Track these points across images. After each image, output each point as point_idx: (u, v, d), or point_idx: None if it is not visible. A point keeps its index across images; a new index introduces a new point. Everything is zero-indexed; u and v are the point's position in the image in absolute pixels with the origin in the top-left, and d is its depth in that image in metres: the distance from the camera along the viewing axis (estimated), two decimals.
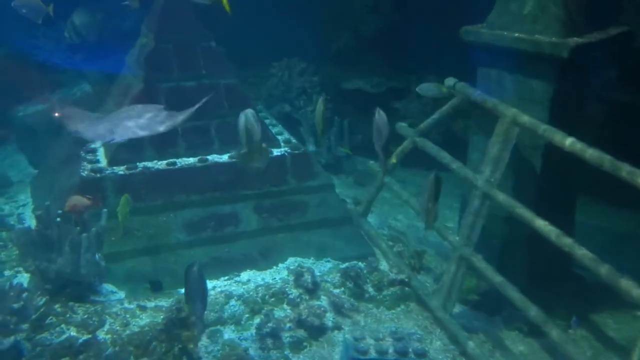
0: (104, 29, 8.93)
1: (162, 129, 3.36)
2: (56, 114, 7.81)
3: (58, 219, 3.93)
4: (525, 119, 3.76)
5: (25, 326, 3.27)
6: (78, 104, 8.13)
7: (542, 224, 3.51)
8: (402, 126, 5.56)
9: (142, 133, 3.34)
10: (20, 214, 6.10)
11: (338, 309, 4.40)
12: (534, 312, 3.53)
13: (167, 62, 5.61)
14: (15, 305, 3.26)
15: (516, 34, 3.82)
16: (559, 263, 4.22)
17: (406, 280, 4.73)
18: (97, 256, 4.06)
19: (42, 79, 8.50)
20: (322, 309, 4.28)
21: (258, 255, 5.20)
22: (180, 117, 3.46)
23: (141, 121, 3.36)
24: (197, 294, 3.13)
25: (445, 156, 4.58)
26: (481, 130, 4.37)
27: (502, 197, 3.83)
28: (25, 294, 3.37)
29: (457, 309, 4.45)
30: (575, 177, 4.15)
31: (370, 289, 4.75)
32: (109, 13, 8.87)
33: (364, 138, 7.87)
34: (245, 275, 5.00)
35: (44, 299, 3.54)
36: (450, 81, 4.65)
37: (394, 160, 4.54)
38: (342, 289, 4.72)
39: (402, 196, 5.28)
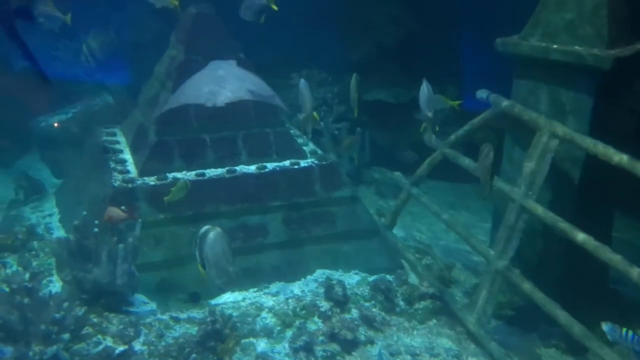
0: (123, 42, 9.09)
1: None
2: (55, 124, 7.93)
3: (96, 230, 3.94)
4: (567, 131, 3.73)
5: (66, 336, 3.27)
6: (99, 115, 8.24)
7: (593, 244, 3.41)
8: (430, 139, 5.53)
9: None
10: (47, 224, 6.14)
11: (370, 322, 4.37)
12: (578, 329, 3.46)
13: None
14: (57, 315, 3.26)
15: (555, 46, 3.80)
16: (596, 279, 4.15)
17: (437, 294, 4.68)
18: (131, 267, 4.07)
19: (61, 91, 8.59)
20: (355, 322, 4.25)
21: (286, 266, 5.19)
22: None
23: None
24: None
25: (476, 168, 4.54)
26: (516, 142, 4.34)
27: (541, 210, 3.79)
28: (65, 304, 3.38)
29: (491, 324, 4.39)
30: (613, 190, 4.10)
31: (401, 303, 4.71)
32: (127, 24, 9.02)
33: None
34: (274, 286, 4.99)
35: (83, 309, 3.55)
36: (483, 93, 4.63)
37: None
38: (373, 302, 4.68)
39: (431, 208, 5.24)
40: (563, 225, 3.60)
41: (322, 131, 8.39)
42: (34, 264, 4.85)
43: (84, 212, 4.18)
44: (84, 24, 8.81)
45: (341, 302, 4.55)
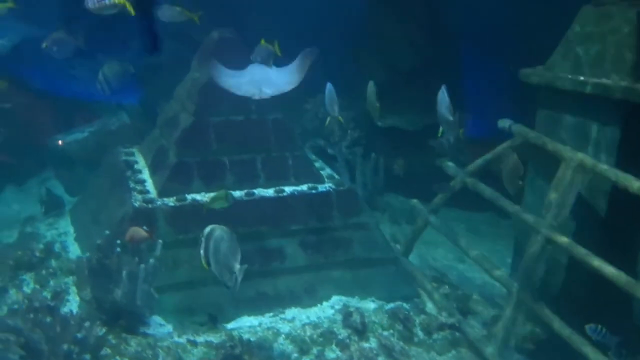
0: (140, 63, 9.25)
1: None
2: (59, 142, 8.01)
3: (118, 249, 3.94)
4: (594, 163, 3.71)
5: (87, 356, 3.23)
6: (115, 134, 8.32)
7: (624, 279, 3.36)
8: (449, 166, 5.54)
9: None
10: (63, 242, 6.14)
11: (389, 352, 4.30)
12: None
13: (219, 97, 5.70)
14: (79, 335, 3.23)
15: (581, 77, 3.82)
16: (620, 312, 4.07)
17: (456, 324, 4.61)
18: (151, 288, 4.05)
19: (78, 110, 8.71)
20: (374, 351, 4.18)
21: (303, 292, 5.15)
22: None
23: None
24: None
25: (499, 198, 4.53)
26: (539, 172, 4.33)
27: (568, 242, 3.75)
28: (87, 323, 3.35)
29: (514, 357, 4.30)
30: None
31: (420, 332, 4.64)
32: (142, 47, 9.20)
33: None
34: (290, 312, 4.95)
35: (103, 330, 3.52)
36: (505, 122, 4.64)
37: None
38: (391, 330, 4.61)
39: (450, 237, 5.20)
40: (591, 259, 3.55)
41: (336, 156, 8.41)
42: (51, 282, 4.84)
43: (107, 232, 4.18)
44: (103, 45, 9.03)
45: (359, 330, 4.50)
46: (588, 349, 3.52)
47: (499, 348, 4.07)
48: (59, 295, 3.46)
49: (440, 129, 4.00)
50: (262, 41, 4.71)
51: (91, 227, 5.84)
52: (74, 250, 5.85)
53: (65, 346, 3.16)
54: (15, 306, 3.44)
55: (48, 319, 3.22)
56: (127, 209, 5.03)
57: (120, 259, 3.93)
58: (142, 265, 3.96)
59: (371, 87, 4.26)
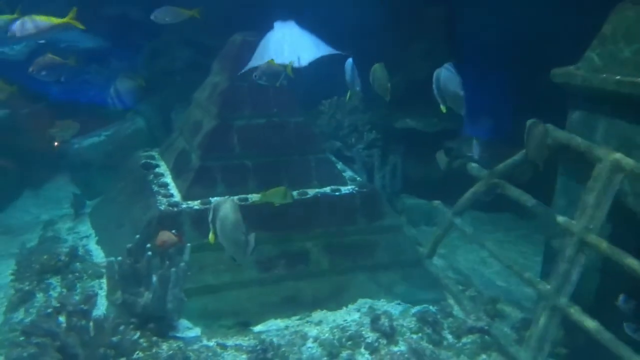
0: (154, 68, 9.29)
1: None
2: (55, 144, 8.04)
3: (149, 253, 3.93)
4: (635, 165, 3.65)
5: None
6: (131, 138, 8.35)
7: None
8: (473, 167, 5.49)
9: None
10: (85, 246, 6.15)
11: (419, 356, 4.24)
12: None
13: (241, 100, 5.71)
14: (115, 339, 3.22)
15: (617, 77, 3.76)
16: None
17: (486, 328, 4.55)
18: (181, 292, 4.04)
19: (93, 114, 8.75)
20: (405, 355, 4.14)
21: (328, 295, 5.12)
22: None
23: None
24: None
25: (528, 199, 4.48)
26: (571, 174, 4.27)
27: (606, 246, 3.69)
28: (121, 327, 3.34)
29: None
30: None
31: (449, 336, 4.58)
32: (159, 52, 9.24)
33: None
34: (316, 315, 4.92)
35: (137, 333, 3.51)
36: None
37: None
38: (420, 334, 4.57)
39: (476, 239, 5.15)
40: (631, 261, 3.49)
41: (353, 158, 8.39)
42: (78, 286, 4.84)
43: (137, 236, 4.17)
44: (117, 50, 9.08)
45: (388, 334, 4.45)
46: (630, 355, 3.45)
47: (533, 353, 4.00)
48: (91, 299, 3.45)
49: (442, 106, 3.91)
50: (271, 60, 4.70)
51: (114, 231, 5.85)
52: (97, 254, 5.86)
53: (101, 350, 3.15)
54: (49, 310, 3.44)
55: (83, 323, 3.21)
56: (152, 212, 5.03)
57: (151, 263, 3.92)
58: (173, 269, 3.95)
59: (380, 67, 4.27)
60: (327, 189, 5.67)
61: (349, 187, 5.77)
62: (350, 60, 4.61)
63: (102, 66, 9.15)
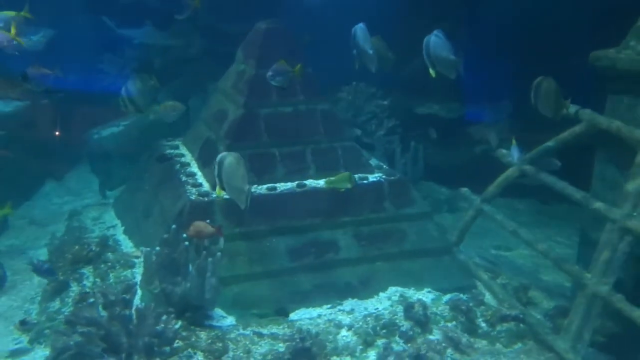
0: (168, 56, 9.24)
1: None
2: (57, 133, 8.03)
3: (186, 243, 3.94)
4: None
5: (167, 349, 3.24)
6: (150, 128, 8.33)
7: None
8: (504, 153, 5.41)
9: None
10: (112, 236, 6.18)
11: (456, 345, 4.23)
12: None
13: (267, 88, 5.66)
14: (159, 328, 3.24)
15: None
16: None
17: (520, 316, 4.52)
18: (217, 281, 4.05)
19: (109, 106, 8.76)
20: (443, 344, 4.12)
21: (358, 283, 5.11)
22: None
23: None
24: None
25: (565, 186, 4.41)
26: (610, 160, 4.19)
27: None
28: (164, 317, 3.36)
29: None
30: None
31: (483, 324, 4.56)
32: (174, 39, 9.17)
33: None
34: (347, 304, 4.91)
35: (179, 323, 3.53)
36: (571, 108, 4.49)
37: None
38: (454, 322, 4.55)
39: (507, 226, 5.10)
40: None
41: (372, 145, 8.33)
42: (111, 275, 4.88)
43: (173, 226, 4.18)
44: (129, 40, 9.02)
45: (422, 322, 4.44)
46: None
47: (572, 341, 3.97)
48: (132, 289, 3.46)
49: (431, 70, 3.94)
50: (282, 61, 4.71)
51: (142, 221, 5.87)
52: (126, 244, 5.90)
53: (146, 339, 3.17)
54: (91, 299, 3.46)
55: (127, 312, 3.23)
56: (183, 202, 5.03)
57: (188, 253, 3.93)
58: (210, 259, 3.96)
59: (378, 39, 4.27)
60: (355, 177, 5.62)
61: (376, 174, 5.73)
62: (361, 24, 4.55)
63: (115, 55, 9.13)
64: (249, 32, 6.09)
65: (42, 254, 6.19)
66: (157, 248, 3.91)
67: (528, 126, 8.52)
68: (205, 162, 5.73)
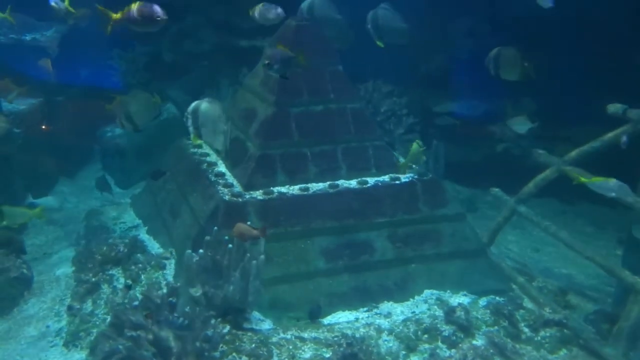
0: (180, 51, 9.11)
1: None
2: (43, 127, 7.93)
3: (230, 246, 3.83)
4: None
5: (217, 354, 3.14)
6: (164, 126, 8.19)
7: None
8: (541, 154, 5.31)
9: None
10: (134, 236, 6.05)
11: (501, 351, 4.13)
12: None
13: (297, 86, 5.55)
14: (209, 332, 3.14)
15: None
16: None
17: (564, 321, 4.41)
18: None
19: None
20: (490, 351, 4.02)
21: (394, 286, 5.01)
22: None
23: None
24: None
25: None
26: None
27: None
28: (213, 321, 3.25)
29: None
30: None
31: (526, 329, 4.45)
32: (184, 35, 9.05)
33: None
34: (384, 307, 4.82)
35: (227, 327, 3.42)
36: (616, 107, 4.39)
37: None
38: (496, 327, 4.44)
39: (548, 229, 5.00)
40: None
41: (393, 144, 8.23)
42: (143, 277, 4.77)
43: (215, 228, 4.06)
44: (140, 34, 8.88)
45: (464, 327, 4.34)
46: None
47: (624, 348, 3.87)
48: (175, 291, 3.36)
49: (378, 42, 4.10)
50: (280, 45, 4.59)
51: (169, 221, 5.76)
52: (151, 245, 5.78)
53: (197, 344, 3.06)
54: (136, 302, 3.35)
55: (175, 316, 3.13)
56: (216, 203, 4.91)
57: (231, 255, 3.82)
58: (254, 262, 3.85)
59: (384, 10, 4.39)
60: (386, 177, 5.53)
61: (408, 174, 5.62)
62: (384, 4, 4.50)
63: (125, 50, 9.01)
64: (278, 28, 5.97)
65: (65, 255, 6.09)
66: (201, 250, 3.79)
67: (551, 122, 8.48)
68: (235, 161, 5.61)
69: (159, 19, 3.64)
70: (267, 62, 4.37)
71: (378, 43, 4.16)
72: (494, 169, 8.28)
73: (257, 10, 4.87)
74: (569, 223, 7.65)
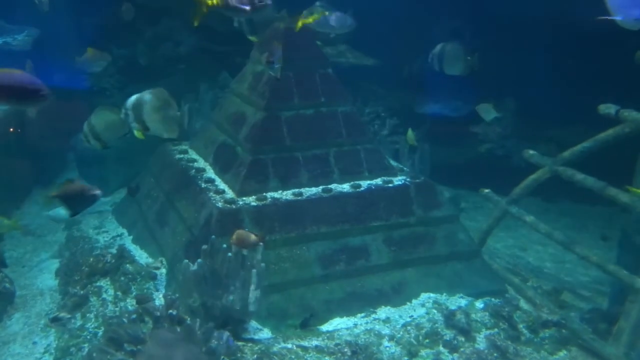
0: (156, 55, 8.92)
1: None
2: (11, 129, 7.71)
3: (229, 254, 3.70)
4: None
5: None
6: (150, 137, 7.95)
7: None
8: (532, 154, 5.34)
9: None
10: (121, 245, 5.84)
11: (503, 353, 4.12)
12: None
13: (288, 90, 5.46)
14: (213, 344, 3.01)
15: None
16: None
17: (562, 321, 4.43)
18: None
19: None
20: (493, 354, 3.99)
21: (391, 290, 4.96)
22: None
23: None
24: None
25: (606, 187, 4.36)
26: None
27: None
28: (216, 332, 3.13)
29: None
30: None
31: (525, 331, 4.45)
32: (161, 38, 8.87)
33: None
34: (381, 312, 4.76)
35: (230, 338, 3.29)
36: (609, 108, 4.45)
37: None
38: (496, 329, 4.43)
39: (540, 229, 5.03)
40: None
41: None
42: (133, 288, 4.59)
43: (213, 236, 3.92)
44: (116, 38, 8.67)
45: (465, 330, 4.31)
46: None
47: (625, 348, 3.89)
48: (174, 304, 3.22)
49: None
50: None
51: (157, 230, 5.58)
52: (139, 254, 5.58)
53: (202, 357, 2.93)
54: (133, 315, 3.20)
55: (178, 329, 2.99)
56: (209, 210, 4.78)
57: (230, 264, 3.70)
58: (254, 270, 3.74)
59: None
60: (379, 180, 5.49)
61: (400, 177, 5.59)
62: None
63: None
64: (266, 32, 5.87)
65: (46, 267, 5.85)
66: (200, 260, 3.66)
67: (533, 123, 8.59)
68: (225, 167, 5.48)
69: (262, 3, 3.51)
70: (269, 59, 4.28)
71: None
72: (476, 169, 8.37)
73: (330, 18, 4.79)
74: (552, 221, 7.77)
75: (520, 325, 4.49)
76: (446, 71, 4.42)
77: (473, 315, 4.58)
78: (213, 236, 3.92)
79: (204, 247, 3.71)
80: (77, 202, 3.46)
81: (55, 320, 4.10)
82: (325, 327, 4.49)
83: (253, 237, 3.69)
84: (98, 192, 3.41)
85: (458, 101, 9.06)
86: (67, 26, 8.58)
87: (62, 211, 6.25)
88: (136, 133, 3.43)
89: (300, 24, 4.64)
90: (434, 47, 4.75)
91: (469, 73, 4.62)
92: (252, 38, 4.34)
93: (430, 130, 8.62)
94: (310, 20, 4.55)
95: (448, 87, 8.85)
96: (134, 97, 3.42)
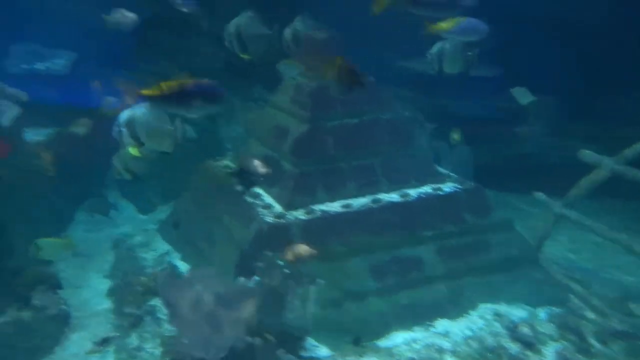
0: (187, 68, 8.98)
1: None
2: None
3: (287, 271, 3.64)
4: None
5: None
6: (178, 147, 8.03)
7: None
8: (587, 154, 5.11)
9: None
10: (170, 262, 5.86)
11: None
12: None
13: (330, 100, 5.39)
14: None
15: None
16: None
17: (633, 332, 4.17)
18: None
19: None
20: None
21: (446, 302, 4.80)
22: None
23: None
24: None
25: None
26: None
27: None
28: (279, 351, 3.05)
29: None
30: None
31: (594, 342, 4.21)
32: (194, 53, 8.93)
33: None
34: (439, 324, 4.61)
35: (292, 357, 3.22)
36: None
37: None
38: (563, 341, 4.21)
39: (601, 232, 4.78)
40: None
41: None
42: None
43: (269, 253, 3.87)
44: (148, 54, 8.78)
45: (531, 344, 4.11)
46: None
47: None
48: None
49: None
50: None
51: (206, 248, 5.56)
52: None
53: None
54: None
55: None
56: (259, 225, 4.72)
57: (287, 281, 3.63)
58: (313, 287, 3.66)
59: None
60: (428, 188, 5.35)
61: (449, 184, 5.43)
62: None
63: (130, 71, 8.91)
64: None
65: (98, 287, 5.90)
66: (256, 277, 3.60)
67: (574, 120, 8.26)
68: (272, 181, 5.43)
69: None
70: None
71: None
72: (513, 170, 8.07)
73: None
74: (605, 222, 7.44)
75: (590, 337, 4.25)
76: (446, 70, 4.25)
77: (537, 327, 4.37)
78: (268, 252, 3.86)
79: (259, 264, 3.65)
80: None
81: (104, 342, 4.07)
82: (382, 343, 4.37)
83: (307, 251, 3.60)
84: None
85: (498, 101, 8.80)
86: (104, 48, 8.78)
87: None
88: (131, 150, 3.34)
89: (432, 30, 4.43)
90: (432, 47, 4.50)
91: (469, 69, 4.42)
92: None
93: (467, 132, 8.39)
94: (444, 27, 4.29)
95: (484, 87, 8.62)
96: (126, 113, 3.35)
